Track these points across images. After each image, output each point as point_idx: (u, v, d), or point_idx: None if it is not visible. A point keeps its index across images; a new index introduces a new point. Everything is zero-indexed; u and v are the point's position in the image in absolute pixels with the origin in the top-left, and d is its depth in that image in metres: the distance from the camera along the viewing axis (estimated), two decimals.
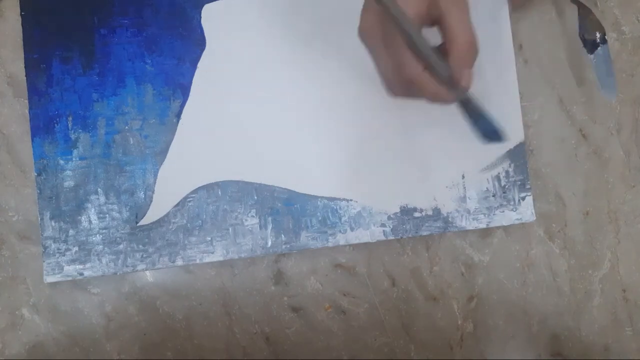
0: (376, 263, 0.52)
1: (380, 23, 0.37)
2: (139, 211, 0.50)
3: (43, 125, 0.50)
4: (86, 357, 0.51)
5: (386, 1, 0.35)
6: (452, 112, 0.51)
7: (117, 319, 0.52)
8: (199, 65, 0.51)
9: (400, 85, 0.38)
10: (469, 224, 0.51)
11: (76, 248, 0.49)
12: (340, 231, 0.50)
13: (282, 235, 0.50)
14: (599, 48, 0.49)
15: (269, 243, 0.50)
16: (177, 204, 0.50)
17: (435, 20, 0.36)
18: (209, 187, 0.50)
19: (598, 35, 0.49)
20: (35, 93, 0.50)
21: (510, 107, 0.51)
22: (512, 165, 0.51)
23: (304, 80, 0.51)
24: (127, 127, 0.50)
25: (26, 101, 0.50)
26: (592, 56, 0.49)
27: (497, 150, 0.51)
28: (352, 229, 0.50)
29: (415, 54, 0.36)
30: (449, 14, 0.35)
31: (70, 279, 0.49)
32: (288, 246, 0.50)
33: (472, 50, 0.35)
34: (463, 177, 0.51)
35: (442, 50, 0.37)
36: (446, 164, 0.51)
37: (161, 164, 0.50)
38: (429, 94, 0.37)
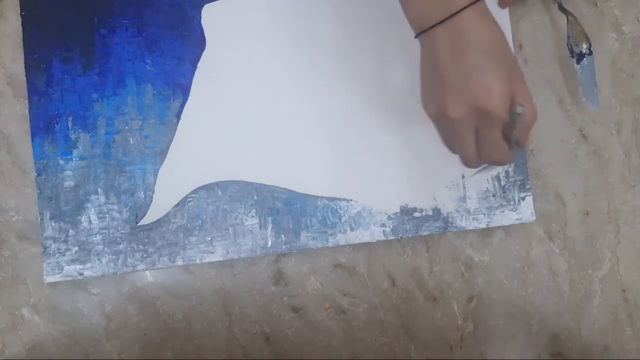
0: (376, 263, 0.52)
1: (474, 113, 0.39)
2: (139, 211, 0.50)
3: (43, 125, 0.50)
4: (86, 357, 0.51)
5: (519, 114, 0.38)
6: None
7: (117, 319, 0.52)
8: (199, 65, 0.51)
9: (480, 163, 0.43)
10: (469, 224, 0.51)
11: (76, 248, 0.49)
12: (340, 231, 0.50)
13: (282, 235, 0.50)
14: (584, 59, 0.50)
15: (269, 243, 0.50)
16: (177, 204, 0.50)
17: None
18: (209, 187, 0.50)
19: (585, 46, 0.50)
20: (35, 93, 0.50)
21: None
22: (512, 165, 0.51)
23: (304, 80, 0.51)
24: (127, 127, 0.50)
25: (26, 101, 0.50)
26: (578, 66, 0.50)
27: None
28: (352, 229, 0.50)
29: (505, 137, 0.40)
30: (519, 94, 0.40)
31: (70, 279, 0.49)
32: (288, 246, 0.50)
33: (535, 120, 0.41)
34: (463, 177, 0.51)
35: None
36: (446, 164, 0.50)
37: (161, 164, 0.50)
38: (504, 162, 0.43)
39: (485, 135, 0.40)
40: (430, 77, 0.41)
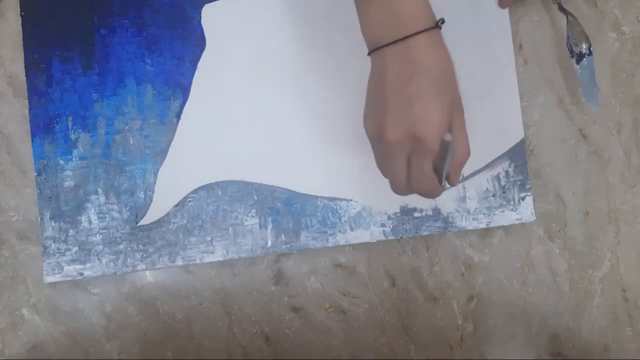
0: (376, 263, 0.52)
1: (410, 140, 0.39)
2: (139, 211, 0.50)
3: (43, 125, 0.50)
4: (86, 357, 0.51)
5: (447, 142, 0.38)
6: None
7: (117, 319, 0.52)
8: (199, 65, 0.51)
9: (409, 191, 0.43)
10: (469, 224, 0.51)
11: (76, 248, 0.50)
12: (340, 231, 0.50)
13: (282, 235, 0.50)
14: (584, 59, 0.50)
15: (269, 243, 0.50)
16: (177, 204, 0.50)
17: None
18: (209, 187, 0.50)
19: (584, 46, 0.50)
20: (35, 93, 0.50)
21: (510, 107, 0.51)
22: (512, 165, 0.51)
23: (304, 80, 0.51)
24: (127, 127, 0.50)
25: (26, 101, 0.50)
26: (577, 66, 0.50)
27: (496, 150, 0.51)
28: (352, 229, 0.50)
29: (435, 170, 0.40)
30: (456, 127, 0.40)
31: (70, 279, 0.49)
32: (288, 246, 0.50)
33: (467, 159, 0.42)
34: (463, 177, 0.51)
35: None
36: None
37: (161, 164, 0.50)
38: (432, 194, 0.42)
39: (417, 163, 0.40)
40: (375, 96, 0.41)
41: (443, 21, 0.40)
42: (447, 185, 0.42)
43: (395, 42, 0.39)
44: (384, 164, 0.43)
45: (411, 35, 0.38)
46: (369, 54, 0.41)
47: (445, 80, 0.39)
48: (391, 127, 0.39)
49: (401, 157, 0.40)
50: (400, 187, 0.42)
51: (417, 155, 0.40)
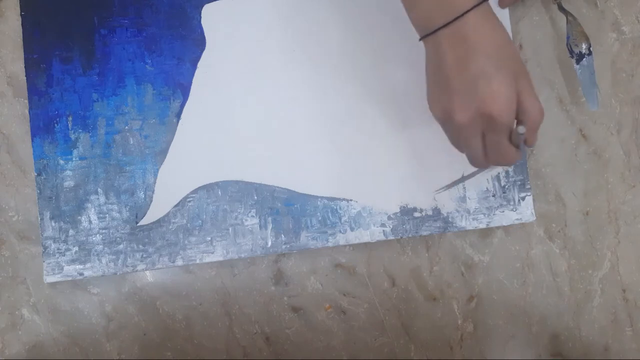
0: (376, 263, 0.52)
1: (481, 118, 0.39)
2: (139, 211, 0.50)
3: (43, 125, 0.50)
4: (86, 357, 0.51)
5: (520, 134, 0.38)
6: None
7: (117, 319, 0.52)
8: (199, 65, 0.51)
9: (488, 162, 0.43)
10: (469, 224, 0.51)
11: (76, 248, 0.49)
12: (340, 231, 0.50)
13: (282, 235, 0.50)
14: (584, 59, 0.50)
15: (269, 243, 0.50)
16: (177, 204, 0.50)
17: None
18: (209, 187, 0.50)
19: (584, 46, 0.50)
20: (35, 93, 0.50)
21: None
22: (512, 165, 0.51)
23: (304, 80, 0.51)
24: (127, 127, 0.50)
25: (26, 101, 0.50)
26: (577, 66, 0.50)
27: None
28: (352, 229, 0.50)
29: (512, 141, 0.41)
30: (524, 94, 0.39)
31: (70, 279, 0.49)
32: (288, 246, 0.50)
33: (542, 119, 0.41)
34: (463, 176, 0.51)
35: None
36: (446, 164, 0.50)
37: (161, 164, 0.50)
38: (510, 163, 0.42)
39: (492, 139, 0.40)
40: (436, 80, 0.41)
41: None
42: (525, 149, 0.42)
43: (446, 24, 0.38)
44: (459, 143, 0.42)
45: (461, 15, 0.38)
46: (420, 39, 0.41)
47: (503, 52, 0.39)
48: (459, 109, 0.39)
49: (475, 135, 0.40)
50: (479, 161, 0.42)
51: (490, 132, 0.40)
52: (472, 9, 0.38)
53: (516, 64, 0.40)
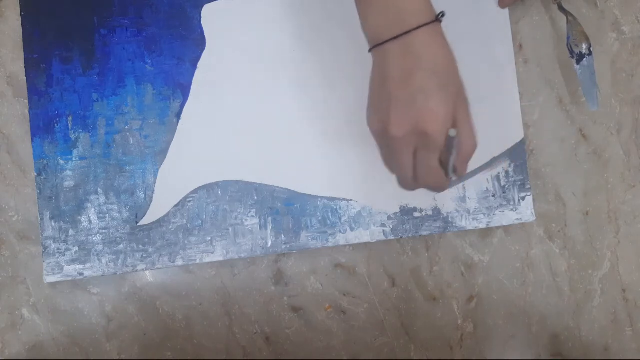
0: (376, 263, 0.52)
1: (415, 134, 0.39)
2: (139, 211, 0.50)
3: (43, 125, 0.50)
4: (86, 357, 0.51)
5: (452, 138, 0.38)
6: None
7: (117, 319, 0.52)
8: (199, 65, 0.51)
9: (416, 186, 0.43)
10: (469, 224, 0.51)
11: (76, 248, 0.49)
12: (340, 231, 0.50)
13: (282, 235, 0.50)
14: (584, 59, 0.50)
15: (269, 243, 0.50)
16: (177, 204, 0.50)
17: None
18: (209, 187, 0.50)
19: (584, 46, 0.50)
20: (35, 93, 0.50)
21: (510, 107, 0.51)
22: (512, 165, 0.51)
23: (304, 80, 0.51)
24: (127, 127, 0.50)
25: (26, 101, 0.50)
26: (577, 66, 0.50)
27: (496, 150, 0.51)
28: (352, 229, 0.50)
29: (442, 164, 0.41)
30: (461, 124, 0.40)
31: (70, 279, 0.49)
32: (288, 246, 0.50)
33: (475, 150, 0.41)
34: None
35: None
36: None
37: (161, 164, 0.50)
38: (439, 188, 0.43)
39: (423, 158, 0.40)
40: (378, 92, 0.41)
41: (443, 14, 0.40)
42: (454, 178, 0.42)
43: (396, 37, 0.39)
44: (391, 159, 0.42)
45: (412, 30, 0.38)
46: (370, 50, 0.41)
47: (448, 73, 0.39)
48: (395, 122, 0.39)
49: (407, 152, 0.40)
50: (408, 182, 0.42)
51: (422, 150, 0.40)
52: (422, 26, 0.38)
53: (458, 90, 0.40)
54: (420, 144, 0.39)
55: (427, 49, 0.38)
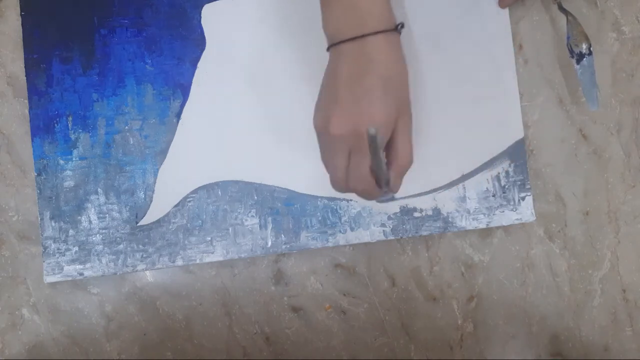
0: (376, 263, 0.52)
1: (353, 136, 0.39)
2: (139, 211, 0.50)
3: (43, 125, 0.50)
4: (86, 357, 0.51)
5: (372, 136, 0.36)
6: (452, 113, 0.52)
7: (117, 319, 0.52)
8: (199, 65, 0.51)
9: (347, 188, 0.42)
10: (469, 224, 0.51)
11: (76, 248, 0.50)
12: (340, 231, 0.50)
13: (282, 235, 0.50)
14: (584, 59, 0.50)
15: (269, 243, 0.50)
16: (177, 204, 0.50)
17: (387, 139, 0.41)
18: (209, 187, 0.50)
19: (584, 46, 0.50)
20: (35, 93, 0.50)
21: (510, 107, 0.51)
22: (512, 165, 0.51)
23: (304, 80, 0.51)
24: (127, 127, 0.50)
25: (26, 101, 0.50)
26: (577, 66, 0.50)
27: (496, 149, 0.51)
28: (352, 229, 0.50)
29: (373, 169, 0.40)
30: (399, 136, 0.40)
31: (70, 279, 0.49)
32: (288, 246, 0.50)
33: (409, 166, 0.41)
34: (462, 175, 0.51)
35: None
36: (446, 164, 0.50)
37: (161, 164, 0.50)
38: (368, 196, 0.43)
39: (355, 161, 0.40)
40: (327, 90, 0.41)
41: (402, 26, 0.41)
42: (389, 192, 0.42)
43: (353, 38, 0.39)
44: (326, 158, 0.42)
45: (369, 34, 0.39)
46: (327, 49, 0.42)
47: (396, 83, 0.40)
48: (336, 121, 0.39)
49: (342, 152, 0.40)
50: (338, 184, 0.42)
51: (356, 153, 0.40)
52: (381, 32, 0.39)
53: (404, 102, 0.40)
54: (355, 147, 0.40)
55: (381, 55, 0.39)
